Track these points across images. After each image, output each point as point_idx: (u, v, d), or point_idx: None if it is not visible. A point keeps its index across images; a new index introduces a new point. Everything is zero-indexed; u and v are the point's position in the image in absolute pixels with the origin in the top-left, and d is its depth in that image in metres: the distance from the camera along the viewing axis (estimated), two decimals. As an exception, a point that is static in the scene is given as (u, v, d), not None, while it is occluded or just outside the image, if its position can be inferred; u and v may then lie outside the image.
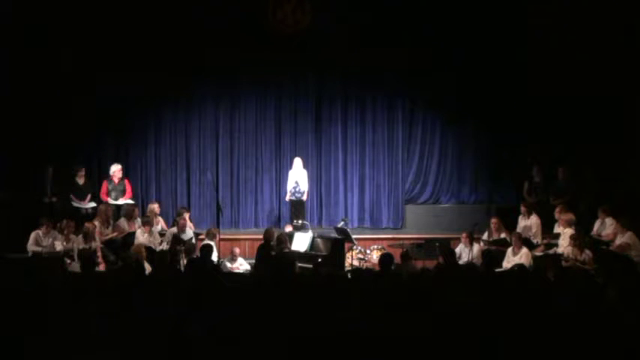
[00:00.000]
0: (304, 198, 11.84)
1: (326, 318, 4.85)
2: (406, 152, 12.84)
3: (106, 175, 11.40)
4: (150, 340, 4.56)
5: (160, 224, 10.81)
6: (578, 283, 5.94)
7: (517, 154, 12.31)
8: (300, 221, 11.12)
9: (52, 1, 11.21)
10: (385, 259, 7.17)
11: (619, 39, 10.95)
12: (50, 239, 9.46)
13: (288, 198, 11.96)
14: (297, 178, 11.82)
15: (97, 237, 9.80)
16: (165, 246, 9.94)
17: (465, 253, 9.61)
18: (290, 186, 11.86)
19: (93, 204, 11.08)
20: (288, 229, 11.19)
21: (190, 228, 10.46)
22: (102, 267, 9.40)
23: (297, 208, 11.75)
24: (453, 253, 8.83)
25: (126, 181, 11.42)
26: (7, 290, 5.72)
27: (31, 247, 9.42)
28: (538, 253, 9.52)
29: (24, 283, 6.17)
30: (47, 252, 9.33)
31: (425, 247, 10.15)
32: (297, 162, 11.91)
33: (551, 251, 9.57)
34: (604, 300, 5.36)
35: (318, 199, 12.84)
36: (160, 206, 11.35)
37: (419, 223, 12.30)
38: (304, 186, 11.81)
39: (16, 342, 4.50)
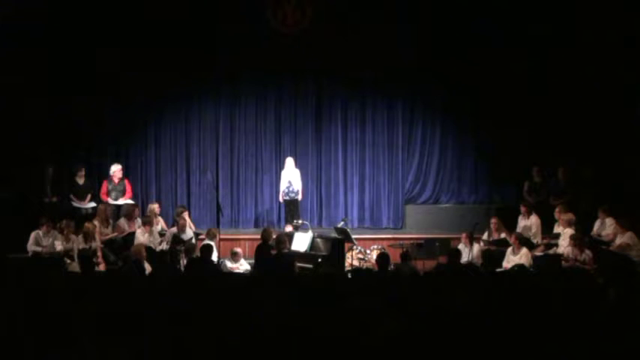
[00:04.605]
0: (299, 197, 11.85)
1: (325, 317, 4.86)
2: (406, 152, 12.84)
3: (106, 175, 11.40)
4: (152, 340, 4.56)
5: (160, 224, 10.82)
6: (578, 283, 5.94)
7: (517, 154, 12.29)
8: (300, 221, 11.12)
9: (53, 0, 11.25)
10: (382, 259, 7.19)
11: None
12: (50, 239, 9.46)
13: (281, 199, 11.97)
14: (290, 177, 11.81)
15: (97, 237, 9.81)
16: (165, 246, 9.95)
17: (465, 253, 9.60)
18: (283, 186, 11.84)
19: (93, 204, 11.08)
20: (289, 229, 11.21)
21: (190, 228, 10.47)
22: (102, 267, 9.41)
23: (292, 208, 11.75)
24: (459, 252, 8.83)
25: (126, 181, 11.43)
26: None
27: (31, 247, 9.42)
28: (538, 253, 9.53)
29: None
30: (47, 252, 9.33)
31: (425, 247, 10.15)
32: (289, 162, 11.90)
33: (551, 251, 9.58)
34: (604, 300, 5.36)
35: (318, 199, 12.84)
36: (160, 206, 11.36)
37: (419, 223, 12.30)
38: (298, 185, 11.80)
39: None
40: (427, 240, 10.45)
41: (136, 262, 8.20)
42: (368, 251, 10.46)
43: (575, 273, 7.51)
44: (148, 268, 8.32)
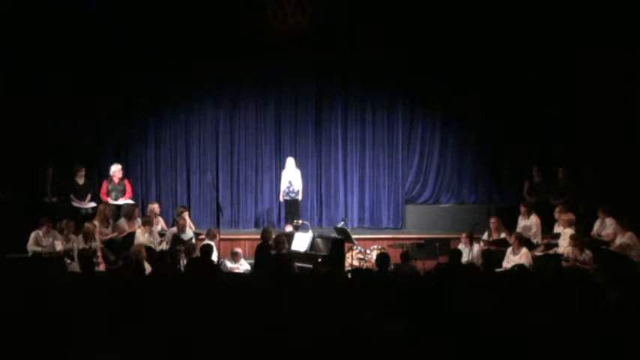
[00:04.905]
0: (299, 197, 11.85)
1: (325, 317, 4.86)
2: (406, 152, 12.85)
3: (106, 175, 11.40)
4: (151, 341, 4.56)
5: (160, 224, 10.82)
6: (578, 283, 5.94)
7: (517, 154, 12.29)
8: (300, 221, 11.12)
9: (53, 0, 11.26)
10: (382, 259, 7.18)
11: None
12: (50, 239, 9.46)
13: (282, 198, 11.96)
14: (291, 177, 11.81)
15: (97, 237, 9.81)
16: (165, 246, 9.95)
17: (465, 253, 9.60)
18: (283, 186, 11.85)
19: (93, 204, 11.08)
20: (289, 229, 11.20)
21: (191, 228, 10.47)
22: (102, 267, 9.42)
23: (292, 208, 11.75)
24: (460, 253, 8.84)
25: (126, 181, 11.43)
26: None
27: (31, 247, 9.42)
28: (538, 253, 9.53)
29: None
30: (47, 252, 9.32)
31: (425, 247, 10.15)
32: (290, 162, 11.90)
33: (551, 251, 9.58)
34: (604, 300, 5.35)
35: (318, 199, 12.85)
36: (160, 206, 11.36)
37: (419, 223, 12.30)
38: (298, 185, 11.81)
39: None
40: (427, 240, 10.47)
41: (136, 262, 8.18)
42: (368, 251, 10.46)
43: (575, 273, 7.50)
44: (147, 268, 8.31)
